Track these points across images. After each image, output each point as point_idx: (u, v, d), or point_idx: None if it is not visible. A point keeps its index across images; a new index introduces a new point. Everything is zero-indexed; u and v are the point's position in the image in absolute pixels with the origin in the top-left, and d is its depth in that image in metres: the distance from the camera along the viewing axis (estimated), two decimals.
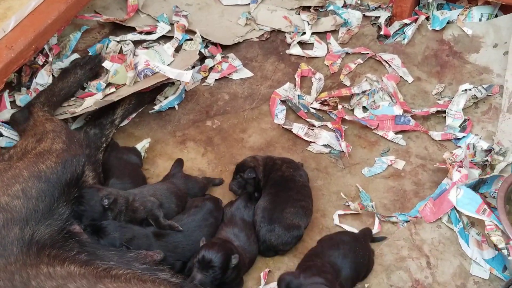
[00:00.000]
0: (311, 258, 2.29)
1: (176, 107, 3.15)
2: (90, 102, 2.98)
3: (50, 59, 3.19)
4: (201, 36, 3.38)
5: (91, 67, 3.16)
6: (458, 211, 2.52)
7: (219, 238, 2.36)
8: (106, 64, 3.19)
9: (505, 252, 2.27)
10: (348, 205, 2.68)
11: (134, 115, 3.10)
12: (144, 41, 3.43)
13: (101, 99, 2.97)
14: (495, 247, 2.35)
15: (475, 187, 2.56)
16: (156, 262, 2.17)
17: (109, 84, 3.12)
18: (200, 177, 2.77)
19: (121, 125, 3.03)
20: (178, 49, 3.37)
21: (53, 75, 3.18)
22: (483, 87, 3.04)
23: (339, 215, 2.64)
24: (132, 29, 3.47)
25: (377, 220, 2.62)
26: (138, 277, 1.98)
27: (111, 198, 2.30)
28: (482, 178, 2.55)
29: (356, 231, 2.54)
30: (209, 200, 2.56)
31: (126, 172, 2.67)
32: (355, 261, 2.28)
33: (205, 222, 2.44)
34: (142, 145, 2.92)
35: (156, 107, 3.12)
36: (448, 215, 2.57)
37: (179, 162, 2.78)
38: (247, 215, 2.50)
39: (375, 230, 2.57)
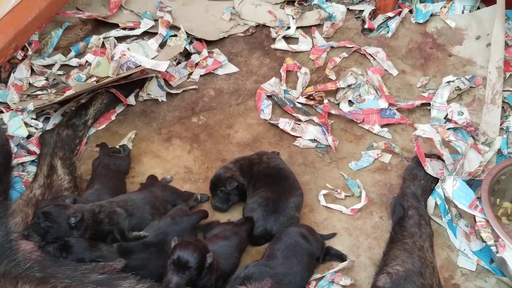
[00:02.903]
0: None
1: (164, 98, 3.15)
2: (70, 93, 2.94)
3: (30, 53, 3.15)
4: (186, 32, 3.36)
5: None
6: (447, 203, 2.54)
7: (190, 237, 2.31)
8: (89, 57, 3.17)
9: (494, 249, 2.29)
10: (336, 193, 2.71)
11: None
12: (128, 37, 3.40)
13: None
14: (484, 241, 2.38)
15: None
16: (117, 271, 2.06)
17: (90, 77, 3.09)
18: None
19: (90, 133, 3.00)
20: (162, 45, 3.35)
21: (32, 70, 3.15)
22: (466, 79, 3.07)
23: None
24: (115, 26, 3.44)
25: (363, 194, 2.67)
26: None
27: (78, 216, 2.20)
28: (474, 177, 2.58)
29: (346, 210, 2.61)
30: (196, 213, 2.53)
31: (110, 185, 2.61)
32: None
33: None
34: (127, 138, 2.90)
35: (143, 95, 3.13)
36: (437, 206, 2.59)
37: (153, 177, 2.72)
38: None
39: (362, 203, 2.63)
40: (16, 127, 2.87)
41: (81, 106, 2.97)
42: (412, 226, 2.26)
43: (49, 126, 2.96)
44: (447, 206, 2.56)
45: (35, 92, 3.13)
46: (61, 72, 3.26)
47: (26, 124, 2.92)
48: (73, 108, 2.98)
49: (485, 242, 2.32)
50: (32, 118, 2.96)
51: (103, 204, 2.36)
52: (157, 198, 2.53)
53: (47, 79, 3.19)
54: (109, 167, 2.69)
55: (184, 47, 3.30)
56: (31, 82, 3.16)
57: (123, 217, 2.33)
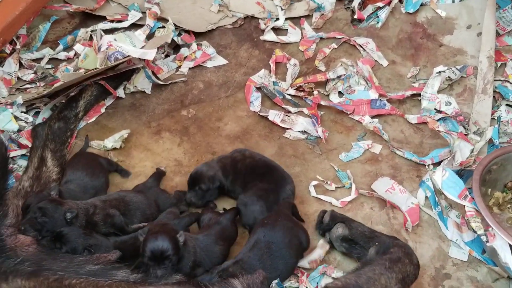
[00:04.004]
0: None
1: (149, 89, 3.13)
2: (58, 85, 2.92)
3: (18, 47, 3.12)
4: (174, 24, 3.33)
5: None
6: (437, 195, 2.53)
7: (155, 223, 2.29)
8: (77, 47, 3.14)
9: (484, 238, 2.28)
10: (326, 184, 2.70)
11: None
12: (116, 29, 3.37)
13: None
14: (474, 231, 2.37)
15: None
16: (111, 262, 2.06)
17: (78, 70, 3.07)
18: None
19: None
20: (150, 37, 3.31)
21: (20, 63, 3.12)
22: (457, 69, 3.05)
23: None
24: (102, 19, 3.40)
25: (353, 187, 2.66)
26: (93, 285, 1.83)
27: (74, 212, 2.22)
28: (465, 167, 2.57)
29: (336, 202, 2.61)
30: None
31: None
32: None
33: None
34: (120, 135, 2.87)
35: (130, 87, 3.11)
36: (427, 198, 2.59)
37: (158, 176, 2.70)
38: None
39: (351, 196, 2.63)
40: (6, 121, 2.85)
41: (71, 99, 2.94)
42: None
43: (39, 120, 2.93)
44: (436, 198, 2.55)
45: (24, 85, 3.10)
46: (49, 66, 3.23)
47: (16, 118, 2.89)
48: (63, 101, 2.95)
49: (475, 232, 2.31)
50: (22, 112, 2.94)
51: (97, 205, 2.36)
52: (150, 204, 2.51)
53: (35, 72, 3.16)
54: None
55: (172, 39, 3.27)
56: (19, 76, 3.13)
57: (117, 216, 2.35)
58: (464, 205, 2.36)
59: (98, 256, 2.07)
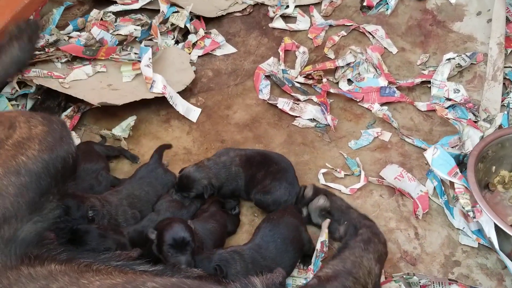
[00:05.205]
0: None
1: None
2: (79, 75, 2.91)
3: None
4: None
5: (29, 36, 2.73)
6: (444, 185, 2.54)
7: (163, 219, 2.31)
8: (94, 30, 3.11)
9: (471, 214, 2.31)
10: (335, 172, 2.70)
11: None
12: (127, 12, 3.34)
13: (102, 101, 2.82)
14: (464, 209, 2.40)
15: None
16: (133, 258, 2.06)
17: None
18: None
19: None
20: (165, 22, 3.30)
21: None
22: (466, 55, 3.03)
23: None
24: (112, 4, 3.38)
25: (363, 174, 2.66)
26: (119, 270, 1.88)
27: (96, 210, 2.25)
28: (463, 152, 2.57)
29: (345, 190, 2.61)
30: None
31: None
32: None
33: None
34: (127, 123, 2.87)
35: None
36: (434, 188, 2.59)
37: (160, 154, 2.66)
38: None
39: (361, 183, 2.63)
40: (3, 107, 2.81)
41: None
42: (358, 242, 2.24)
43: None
44: (443, 188, 2.56)
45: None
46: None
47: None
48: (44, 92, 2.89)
49: (463, 207, 2.34)
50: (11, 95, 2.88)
51: (117, 204, 2.38)
52: (157, 192, 2.52)
53: (47, 40, 3.05)
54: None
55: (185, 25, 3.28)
56: None
57: (138, 216, 2.41)
58: (454, 182, 2.40)
59: (120, 253, 2.07)
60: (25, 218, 1.83)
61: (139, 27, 3.19)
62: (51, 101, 2.89)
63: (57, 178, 1.93)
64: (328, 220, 2.37)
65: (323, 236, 2.32)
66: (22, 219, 1.82)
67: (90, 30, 3.13)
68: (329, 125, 2.89)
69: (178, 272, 1.98)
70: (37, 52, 2.99)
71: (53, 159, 1.93)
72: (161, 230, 2.11)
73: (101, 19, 3.26)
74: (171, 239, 2.06)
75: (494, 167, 2.57)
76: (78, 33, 3.24)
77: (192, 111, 2.97)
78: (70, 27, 3.25)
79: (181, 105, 2.94)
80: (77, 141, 2.75)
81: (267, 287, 1.83)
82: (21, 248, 1.81)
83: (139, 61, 2.98)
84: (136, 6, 3.36)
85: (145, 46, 3.11)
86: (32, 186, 1.86)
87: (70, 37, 3.17)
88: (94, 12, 3.28)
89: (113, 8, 3.34)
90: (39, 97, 2.91)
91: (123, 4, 3.36)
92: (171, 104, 2.90)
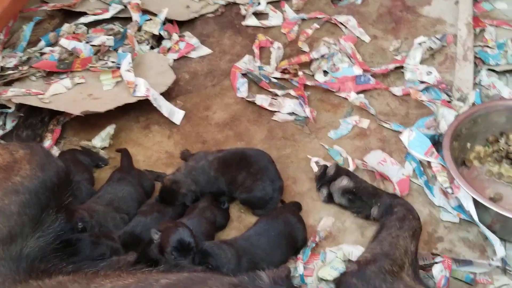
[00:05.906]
0: None
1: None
2: (58, 89, 2.91)
3: None
4: (154, 13, 3.33)
5: None
6: (422, 165, 2.60)
7: (166, 222, 2.31)
8: (63, 42, 3.11)
9: (450, 191, 2.36)
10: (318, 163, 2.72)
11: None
12: (98, 22, 3.35)
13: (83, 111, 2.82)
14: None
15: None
16: (131, 263, 2.09)
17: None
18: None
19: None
20: (138, 30, 3.32)
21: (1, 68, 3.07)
22: (437, 38, 3.09)
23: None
24: (83, 16, 3.39)
25: (350, 159, 2.70)
26: (127, 272, 1.90)
27: (86, 221, 2.24)
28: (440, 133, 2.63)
29: None
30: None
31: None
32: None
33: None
34: (106, 132, 2.88)
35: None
36: (414, 170, 2.63)
37: (127, 158, 2.69)
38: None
39: (350, 167, 2.66)
40: None
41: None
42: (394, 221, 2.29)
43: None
44: (422, 169, 2.61)
45: (7, 73, 2.99)
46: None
47: None
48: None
49: (442, 185, 2.40)
50: None
51: (102, 210, 2.38)
52: (137, 190, 2.53)
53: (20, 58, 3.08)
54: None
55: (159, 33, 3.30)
56: (2, 65, 3.03)
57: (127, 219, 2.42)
58: (431, 161, 2.47)
59: (118, 259, 2.10)
60: (29, 234, 1.88)
61: (111, 37, 3.20)
62: (33, 117, 2.88)
63: (55, 192, 1.98)
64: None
65: (320, 227, 2.38)
66: (27, 236, 1.87)
67: (59, 42, 3.12)
68: (308, 117, 2.92)
69: (183, 270, 2.00)
70: (10, 72, 3.00)
71: (47, 175, 1.97)
72: (167, 232, 2.11)
73: (73, 32, 3.27)
74: (176, 241, 2.07)
75: (469, 144, 2.63)
76: (51, 48, 3.22)
77: (176, 113, 2.98)
78: (42, 43, 3.24)
79: (165, 107, 2.95)
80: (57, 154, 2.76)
81: (274, 280, 1.87)
82: (28, 263, 1.85)
83: (119, 68, 3.00)
84: (107, 15, 3.37)
85: (122, 52, 3.13)
86: (33, 202, 1.90)
87: (42, 53, 3.16)
88: (66, 26, 3.28)
89: (84, 19, 3.34)
90: (22, 114, 2.89)
91: (94, 15, 3.37)
92: (156, 106, 2.90)
